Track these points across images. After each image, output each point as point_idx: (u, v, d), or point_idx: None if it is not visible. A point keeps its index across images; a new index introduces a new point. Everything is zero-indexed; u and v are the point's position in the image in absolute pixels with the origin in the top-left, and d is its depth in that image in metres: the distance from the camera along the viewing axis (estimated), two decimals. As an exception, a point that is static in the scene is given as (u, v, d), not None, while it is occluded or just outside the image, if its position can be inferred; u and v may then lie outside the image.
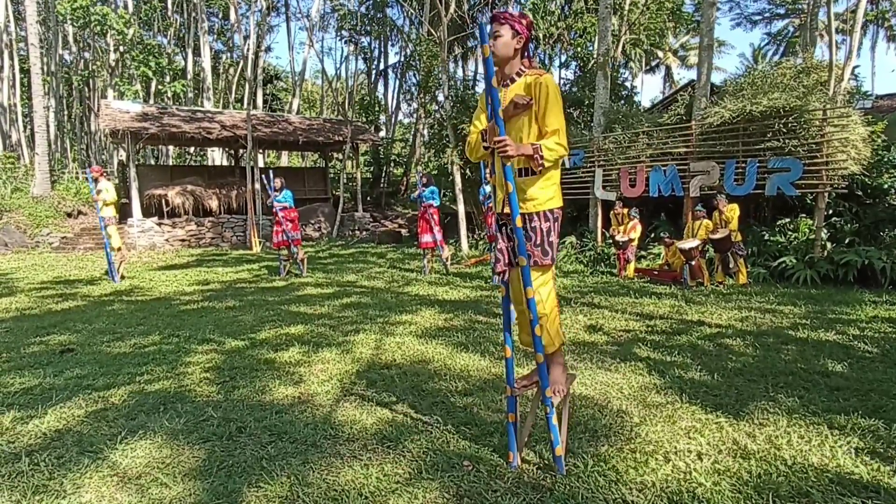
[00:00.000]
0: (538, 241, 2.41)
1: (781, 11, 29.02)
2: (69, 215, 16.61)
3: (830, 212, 8.51)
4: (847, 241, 8.09)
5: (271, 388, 3.54)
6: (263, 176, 9.01)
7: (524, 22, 2.39)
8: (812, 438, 2.65)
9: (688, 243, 7.71)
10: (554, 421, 2.34)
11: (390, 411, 3.12)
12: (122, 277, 9.02)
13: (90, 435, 2.84)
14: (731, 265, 7.84)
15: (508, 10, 2.46)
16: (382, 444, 2.69)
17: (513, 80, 2.45)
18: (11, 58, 24.82)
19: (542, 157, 2.28)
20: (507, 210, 2.37)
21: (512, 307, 2.58)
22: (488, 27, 2.36)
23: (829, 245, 8.14)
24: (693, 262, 7.65)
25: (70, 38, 27.76)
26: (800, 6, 27.05)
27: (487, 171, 8.79)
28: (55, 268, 11.06)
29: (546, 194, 2.42)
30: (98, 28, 19.37)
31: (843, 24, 23.97)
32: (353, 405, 3.22)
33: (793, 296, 6.80)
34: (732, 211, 7.79)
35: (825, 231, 8.19)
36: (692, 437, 2.70)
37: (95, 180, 8.52)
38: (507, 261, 2.41)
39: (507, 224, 2.41)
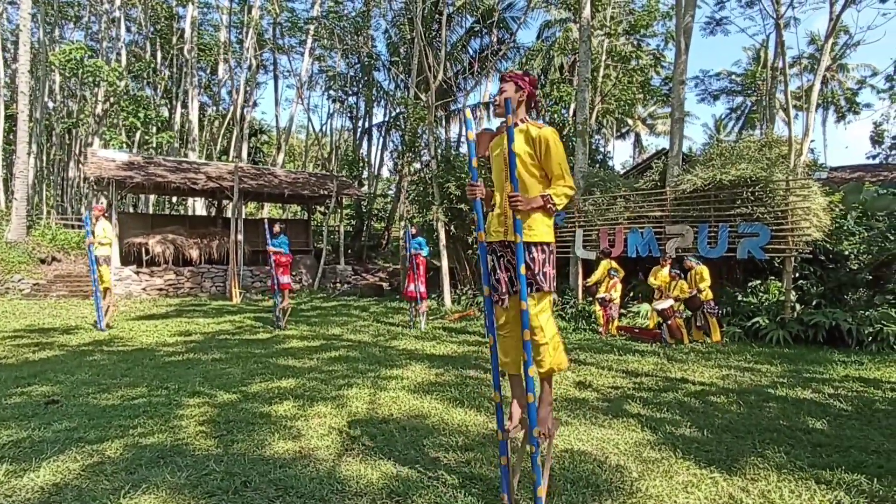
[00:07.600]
0: (536, 270, 2.68)
1: (739, 89, 31.74)
2: (43, 261, 16.22)
3: (797, 275, 9.00)
4: (814, 302, 8.53)
5: (270, 442, 3.52)
6: (266, 222, 9.36)
7: (527, 79, 2.86)
8: (802, 493, 2.79)
9: (662, 303, 8.01)
10: (538, 461, 2.48)
11: (394, 466, 3.14)
12: (109, 327, 8.75)
13: (90, 489, 2.79)
14: (698, 323, 8.26)
15: (514, 71, 2.95)
16: (391, 499, 2.72)
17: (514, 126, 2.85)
18: (-6, 104, 24.86)
19: (554, 205, 2.65)
20: (509, 239, 2.68)
21: (503, 339, 2.80)
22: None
23: (797, 306, 8.55)
24: (670, 321, 7.92)
25: (56, 87, 28.06)
26: (757, 83, 29.47)
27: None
28: (27, 315, 10.71)
29: (541, 228, 2.70)
30: (91, 79, 19.69)
31: (797, 101, 26.05)
32: (356, 459, 3.23)
33: (768, 355, 7.07)
34: (699, 273, 8.25)
35: (794, 293, 8.63)
36: (690, 491, 2.81)
37: (96, 219, 8.57)
38: (504, 289, 2.72)
39: (506, 255, 2.74)
